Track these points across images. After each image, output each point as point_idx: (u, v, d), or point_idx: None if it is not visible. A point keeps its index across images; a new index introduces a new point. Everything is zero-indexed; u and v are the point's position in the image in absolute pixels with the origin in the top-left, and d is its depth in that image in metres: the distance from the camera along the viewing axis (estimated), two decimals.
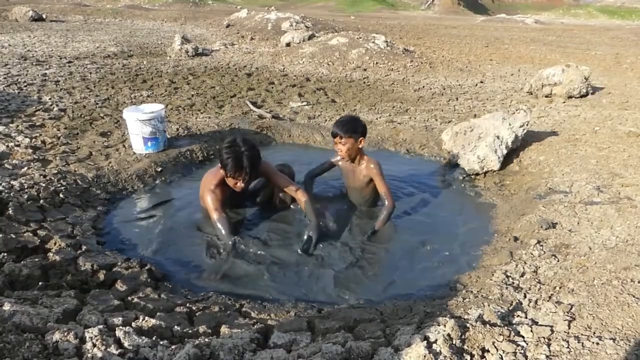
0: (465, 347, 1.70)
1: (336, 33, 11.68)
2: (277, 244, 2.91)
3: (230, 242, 2.80)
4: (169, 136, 4.37)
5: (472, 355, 1.66)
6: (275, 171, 3.18)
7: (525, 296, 2.13)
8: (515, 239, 2.90)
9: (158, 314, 1.97)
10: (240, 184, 2.89)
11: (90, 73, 7.22)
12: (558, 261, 2.46)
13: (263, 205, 3.40)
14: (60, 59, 8.28)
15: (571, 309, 1.91)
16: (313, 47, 9.97)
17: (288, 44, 11.24)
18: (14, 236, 2.51)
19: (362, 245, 2.95)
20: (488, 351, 1.67)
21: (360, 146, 3.12)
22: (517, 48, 13.59)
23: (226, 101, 6.05)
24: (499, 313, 1.92)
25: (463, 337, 1.74)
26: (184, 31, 13.67)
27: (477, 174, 4.12)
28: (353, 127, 3.06)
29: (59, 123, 4.61)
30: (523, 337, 1.75)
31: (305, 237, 2.89)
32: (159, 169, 3.88)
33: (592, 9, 47.51)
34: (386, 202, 3.17)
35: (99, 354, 1.54)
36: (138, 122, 3.91)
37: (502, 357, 1.63)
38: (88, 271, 2.35)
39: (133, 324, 1.79)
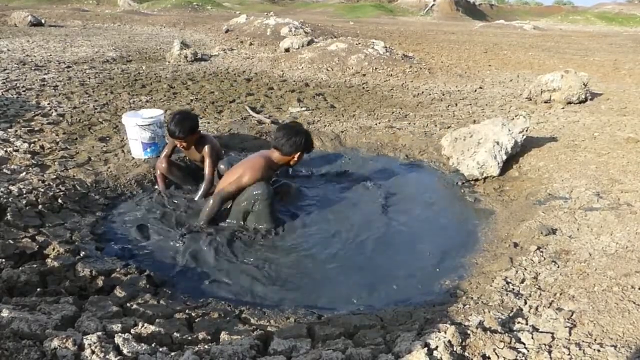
0: (466, 353, 1.69)
1: (335, 38, 11.72)
2: (278, 248, 2.90)
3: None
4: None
5: None
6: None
7: (525, 302, 2.12)
8: (515, 245, 2.90)
9: (157, 320, 1.96)
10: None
11: (89, 78, 7.22)
12: (558, 267, 2.45)
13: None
14: (59, 63, 8.28)
15: (572, 315, 1.91)
16: (312, 53, 10.00)
17: (287, 50, 11.26)
18: (12, 242, 2.50)
19: (362, 251, 2.94)
20: (489, 358, 1.67)
21: (196, 137, 3.53)
22: (515, 54, 13.64)
23: (225, 106, 6.05)
24: (500, 319, 1.92)
25: (464, 343, 1.73)
26: (183, 36, 13.68)
27: (477, 180, 4.12)
28: (188, 128, 3.40)
29: (57, 128, 4.61)
30: (524, 343, 1.75)
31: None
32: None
33: (590, 15, 47.62)
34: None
35: None
36: (137, 128, 3.91)
37: None
38: (87, 277, 2.34)
39: (132, 331, 1.79)
